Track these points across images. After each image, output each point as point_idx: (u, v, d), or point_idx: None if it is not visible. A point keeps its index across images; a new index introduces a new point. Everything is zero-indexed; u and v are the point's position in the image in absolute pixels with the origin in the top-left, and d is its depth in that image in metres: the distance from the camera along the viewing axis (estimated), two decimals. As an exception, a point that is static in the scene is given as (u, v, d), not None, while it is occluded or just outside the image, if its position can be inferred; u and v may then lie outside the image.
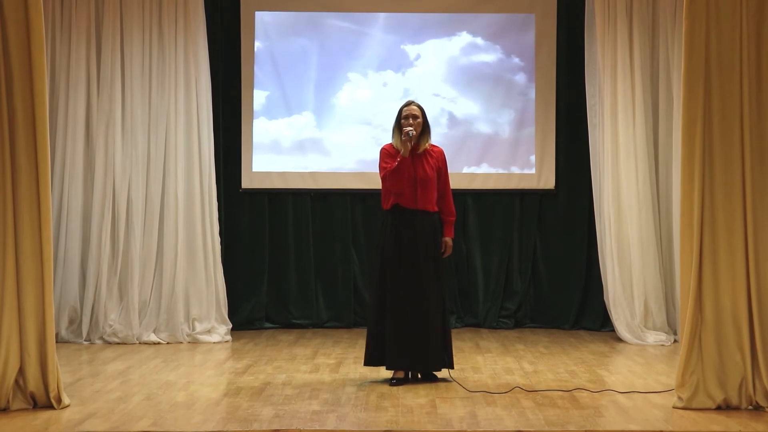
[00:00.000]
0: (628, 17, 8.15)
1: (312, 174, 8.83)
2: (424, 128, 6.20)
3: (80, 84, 8.01)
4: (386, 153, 6.20)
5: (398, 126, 6.18)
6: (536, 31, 8.83)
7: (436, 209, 6.22)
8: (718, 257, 5.29)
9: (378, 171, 6.24)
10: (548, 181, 8.85)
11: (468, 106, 8.87)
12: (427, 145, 6.21)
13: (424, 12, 8.84)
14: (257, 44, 8.80)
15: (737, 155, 5.29)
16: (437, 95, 8.83)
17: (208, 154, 8.16)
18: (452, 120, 8.85)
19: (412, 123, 6.11)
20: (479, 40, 8.86)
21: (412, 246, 6.07)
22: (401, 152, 6.08)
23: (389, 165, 6.09)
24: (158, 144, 8.08)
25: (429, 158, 6.20)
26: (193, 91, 8.13)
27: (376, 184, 6.46)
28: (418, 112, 6.17)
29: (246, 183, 8.81)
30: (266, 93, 8.83)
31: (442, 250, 6.22)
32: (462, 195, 8.60)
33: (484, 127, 8.87)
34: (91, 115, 8.06)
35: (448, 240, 6.25)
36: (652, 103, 8.22)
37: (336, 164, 8.85)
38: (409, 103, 6.24)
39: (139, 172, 8.03)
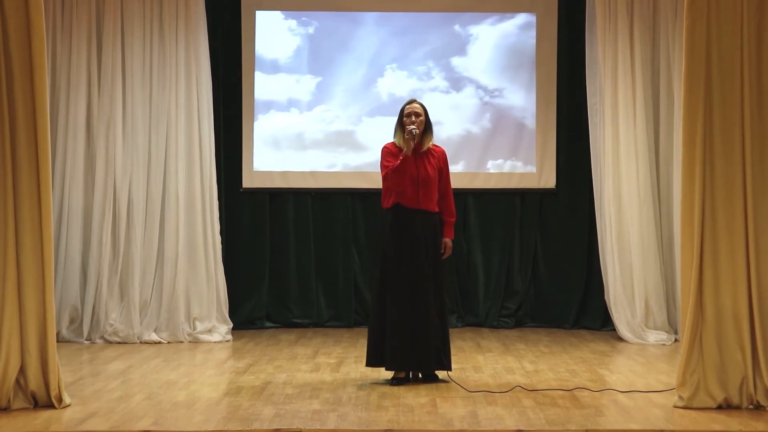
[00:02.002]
0: (629, 16, 8.14)
1: (312, 173, 8.83)
2: (427, 127, 6.14)
3: (81, 84, 8.01)
4: (388, 151, 6.14)
5: (400, 124, 6.12)
6: (537, 30, 8.82)
7: (437, 209, 6.17)
8: (719, 256, 5.29)
9: (379, 169, 6.20)
10: (549, 181, 8.85)
11: (467, 106, 8.87)
12: (429, 144, 6.19)
13: (424, 11, 8.83)
14: (258, 43, 8.80)
15: (738, 154, 5.28)
16: (437, 95, 8.83)
17: (208, 154, 8.16)
18: (453, 120, 8.85)
19: (414, 121, 6.06)
20: (479, 41, 8.86)
21: (412, 246, 6.03)
22: (404, 151, 6.01)
23: (391, 164, 6.04)
24: (159, 143, 8.09)
25: (431, 158, 6.15)
26: (193, 91, 8.13)
27: (377, 183, 6.44)
28: (420, 110, 6.10)
29: (247, 182, 8.81)
30: (267, 93, 8.83)
31: (442, 251, 6.19)
32: (463, 194, 8.60)
33: (484, 127, 8.86)
34: (92, 114, 8.06)
35: (448, 241, 6.20)
36: (652, 103, 8.22)
37: (337, 163, 8.85)
38: (411, 101, 6.17)
39: (139, 172, 8.03)
